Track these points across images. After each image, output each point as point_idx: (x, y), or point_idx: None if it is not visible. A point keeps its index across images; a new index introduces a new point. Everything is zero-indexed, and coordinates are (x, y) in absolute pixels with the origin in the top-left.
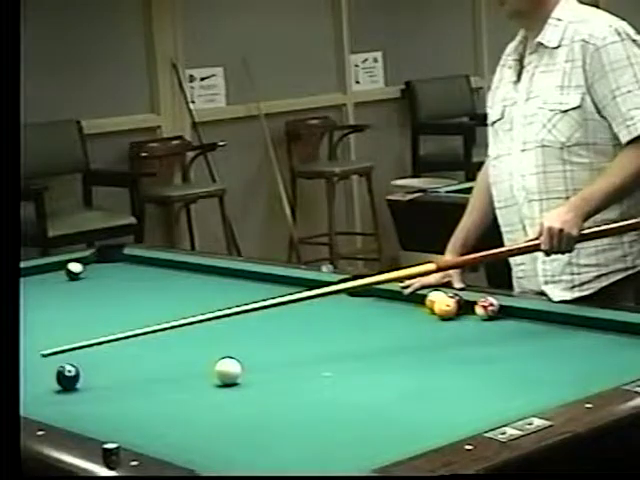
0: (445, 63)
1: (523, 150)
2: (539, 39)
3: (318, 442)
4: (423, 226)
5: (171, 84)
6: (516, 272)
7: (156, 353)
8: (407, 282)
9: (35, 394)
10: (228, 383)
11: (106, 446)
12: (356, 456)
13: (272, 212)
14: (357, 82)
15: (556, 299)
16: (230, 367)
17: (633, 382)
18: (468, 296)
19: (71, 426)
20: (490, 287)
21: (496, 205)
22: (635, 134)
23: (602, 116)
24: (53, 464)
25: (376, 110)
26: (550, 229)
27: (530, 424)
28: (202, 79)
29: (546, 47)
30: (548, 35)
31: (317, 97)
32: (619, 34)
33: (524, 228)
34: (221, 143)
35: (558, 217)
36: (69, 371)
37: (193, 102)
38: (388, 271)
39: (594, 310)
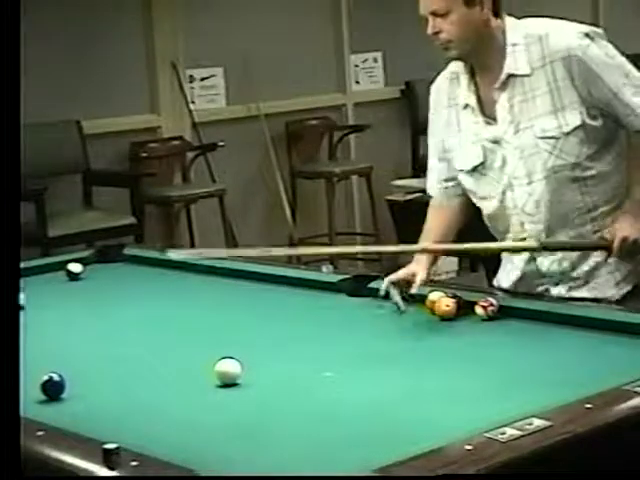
0: (445, 63)
1: (530, 182)
2: (508, 70)
3: (318, 442)
4: (423, 226)
5: (171, 84)
6: (512, 273)
7: (156, 353)
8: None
9: (35, 394)
10: (228, 383)
11: (106, 446)
12: (356, 456)
13: (272, 212)
14: (357, 82)
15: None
16: (230, 367)
17: (633, 382)
18: (468, 296)
19: (71, 426)
20: (490, 287)
21: (500, 238)
22: None
23: (603, 115)
24: (53, 464)
25: (376, 110)
26: (625, 239)
27: (530, 424)
28: (202, 79)
29: (517, 76)
30: (513, 64)
31: (317, 97)
32: (588, 36)
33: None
34: (221, 143)
35: (631, 227)
36: (54, 382)
37: (193, 102)
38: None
39: (594, 310)
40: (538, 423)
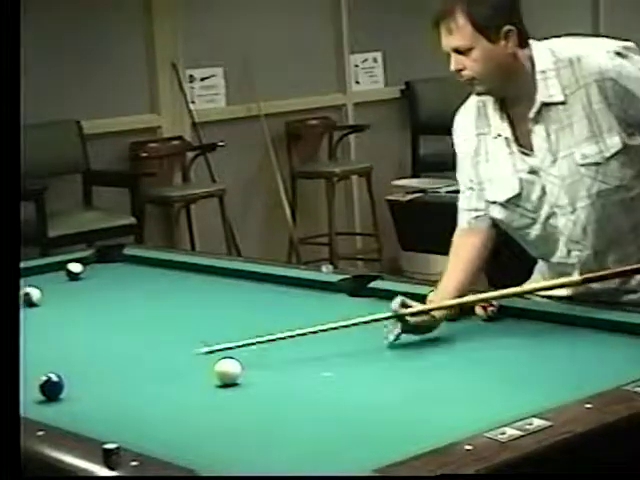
0: (445, 63)
1: (574, 210)
2: (542, 99)
3: (318, 442)
4: (423, 226)
5: (171, 84)
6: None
7: (156, 353)
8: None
9: (35, 394)
10: (228, 383)
11: (106, 446)
12: (356, 456)
13: (272, 212)
14: (357, 82)
15: None
16: (230, 367)
17: (633, 382)
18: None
19: (71, 426)
20: (490, 287)
21: (547, 262)
22: None
23: None
24: (53, 464)
25: (376, 110)
26: None
27: (530, 424)
28: (202, 79)
29: (552, 104)
30: (546, 92)
31: (317, 97)
32: (620, 55)
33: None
34: (221, 143)
35: None
36: (53, 382)
37: (193, 102)
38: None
39: (594, 310)
40: (538, 423)
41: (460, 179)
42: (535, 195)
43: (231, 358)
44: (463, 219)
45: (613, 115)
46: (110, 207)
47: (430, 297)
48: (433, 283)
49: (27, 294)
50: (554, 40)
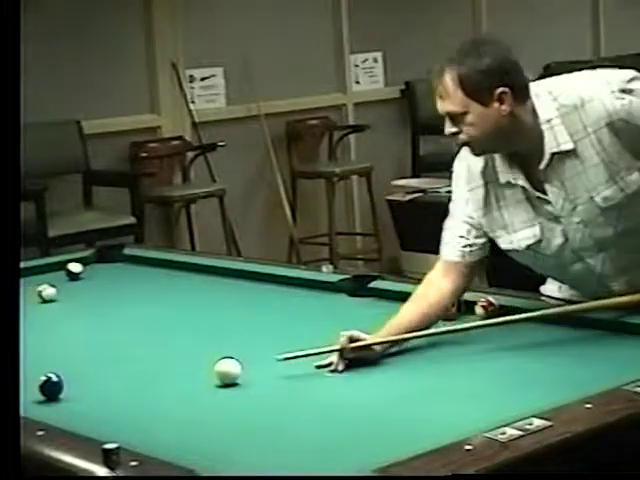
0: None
1: (601, 250)
2: (551, 150)
3: (318, 442)
4: (423, 226)
5: (171, 84)
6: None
7: (156, 353)
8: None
9: (35, 394)
10: (228, 383)
11: (106, 446)
12: (356, 456)
13: (272, 212)
14: (357, 82)
15: None
16: (230, 367)
17: (633, 382)
18: (468, 296)
19: (71, 426)
20: (490, 287)
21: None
22: None
23: None
24: (53, 464)
25: (376, 110)
26: None
27: (530, 424)
28: (202, 79)
29: (562, 152)
30: (555, 140)
31: (317, 97)
32: (623, 91)
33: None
34: (221, 143)
35: None
36: (53, 382)
37: (193, 102)
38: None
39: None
40: (538, 423)
41: (456, 221)
42: (557, 241)
43: (231, 358)
44: (455, 248)
45: (630, 153)
46: (110, 207)
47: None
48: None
49: (40, 291)
50: (552, 82)
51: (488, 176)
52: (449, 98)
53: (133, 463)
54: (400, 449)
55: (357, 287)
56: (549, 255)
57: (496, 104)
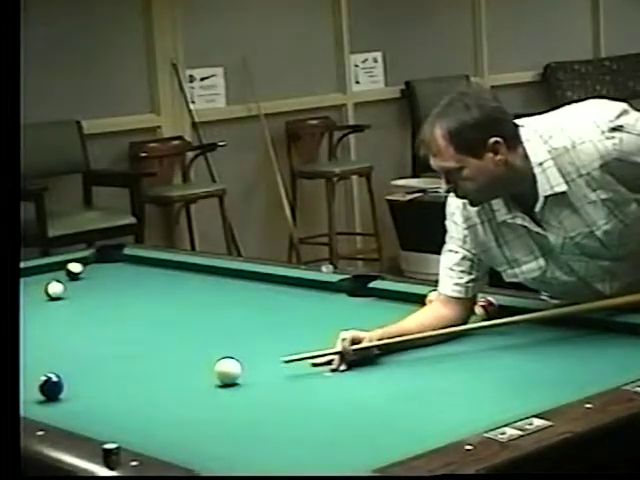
0: (445, 63)
1: (606, 275)
2: (544, 193)
3: (318, 442)
4: (423, 226)
5: (171, 84)
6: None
7: (156, 352)
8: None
9: (35, 394)
10: (228, 383)
11: (106, 446)
12: (356, 456)
13: (272, 212)
14: (357, 82)
15: None
16: (230, 367)
17: (633, 382)
18: None
19: (71, 426)
20: (490, 287)
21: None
22: None
23: None
24: (53, 464)
25: (376, 110)
26: None
27: (530, 424)
28: (202, 79)
29: (556, 194)
30: (548, 183)
31: (317, 97)
32: (613, 129)
33: None
34: (221, 143)
35: None
36: (53, 382)
37: (193, 102)
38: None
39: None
40: (538, 423)
41: (455, 258)
42: (561, 271)
43: (231, 358)
44: (457, 285)
45: (626, 184)
46: (110, 207)
47: (371, 334)
48: (433, 283)
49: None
50: (540, 123)
51: (485, 214)
52: (442, 155)
53: (133, 463)
54: (400, 449)
55: (357, 287)
56: (555, 284)
57: (490, 155)
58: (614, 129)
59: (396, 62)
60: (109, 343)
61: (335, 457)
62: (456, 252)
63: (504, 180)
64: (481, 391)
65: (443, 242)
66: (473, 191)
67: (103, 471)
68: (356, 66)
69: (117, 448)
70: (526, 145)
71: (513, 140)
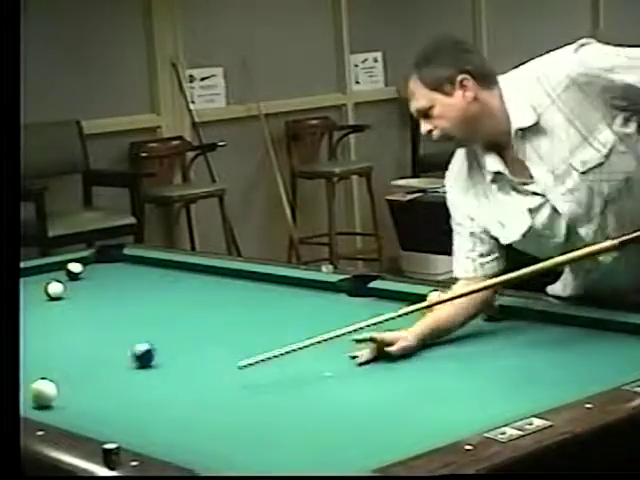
0: None
1: (590, 219)
2: (517, 126)
3: (318, 442)
4: (423, 226)
5: (171, 84)
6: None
7: (156, 352)
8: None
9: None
10: (43, 405)
11: (106, 446)
12: (356, 456)
13: (272, 212)
14: (357, 82)
15: None
16: (45, 388)
17: (633, 382)
18: None
19: (71, 426)
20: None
21: (575, 281)
22: None
23: (634, 115)
24: (53, 464)
25: (376, 110)
26: None
27: (530, 424)
28: (202, 79)
29: (528, 127)
30: (520, 117)
31: (317, 97)
32: (580, 46)
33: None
34: (221, 143)
35: None
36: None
37: (193, 102)
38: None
39: (594, 310)
40: (538, 423)
41: (458, 227)
42: (546, 219)
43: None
44: (466, 265)
45: (598, 109)
46: (110, 207)
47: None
48: (433, 283)
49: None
50: (519, 69)
51: (475, 178)
52: (414, 96)
53: (133, 463)
54: (400, 449)
55: (357, 287)
56: (547, 235)
57: (459, 92)
58: (581, 45)
59: (396, 62)
60: (109, 343)
61: (335, 457)
62: (459, 232)
63: (476, 117)
64: (481, 391)
65: (443, 242)
66: (447, 129)
67: (103, 471)
68: (356, 66)
69: (117, 448)
70: (502, 86)
71: (484, 79)
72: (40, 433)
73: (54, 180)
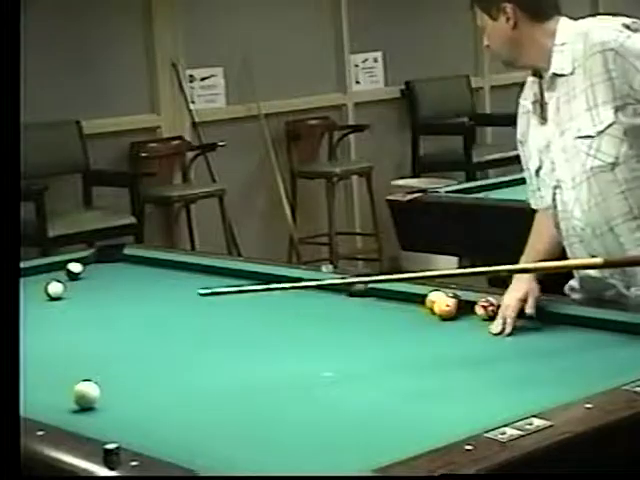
0: (445, 63)
1: (574, 187)
2: (553, 70)
3: (318, 442)
4: (423, 226)
5: (171, 84)
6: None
7: (156, 353)
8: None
9: (35, 394)
10: (85, 407)
11: (106, 446)
12: (356, 456)
13: (272, 212)
14: (357, 82)
15: None
16: (89, 389)
17: (633, 382)
18: (468, 296)
19: (71, 426)
20: (490, 287)
21: (564, 242)
22: None
23: None
24: (53, 464)
25: (376, 110)
26: None
27: (530, 424)
28: (202, 79)
29: (561, 75)
30: (559, 63)
31: (317, 97)
32: (628, 27)
33: None
34: (221, 143)
35: None
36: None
37: (193, 102)
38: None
39: (594, 310)
40: (538, 423)
41: (525, 173)
42: (549, 168)
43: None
44: (531, 202)
45: (613, 89)
46: (110, 207)
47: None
48: (433, 283)
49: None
50: (585, 19)
51: (526, 107)
52: (477, 14)
53: (133, 463)
54: (400, 449)
55: (357, 287)
56: (548, 184)
57: (502, 18)
58: (629, 27)
59: (396, 62)
60: (109, 343)
61: (335, 457)
62: (525, 167)
63: (518, 44)
64: (481, 391)
65: (443, 242)
66: (493, 48)
67: (103, 471)
68: (356, 66)
69: (117, 448)
70: (559, 26)
71: (532, 11)
72: (40, 433)
73: (54, 180)
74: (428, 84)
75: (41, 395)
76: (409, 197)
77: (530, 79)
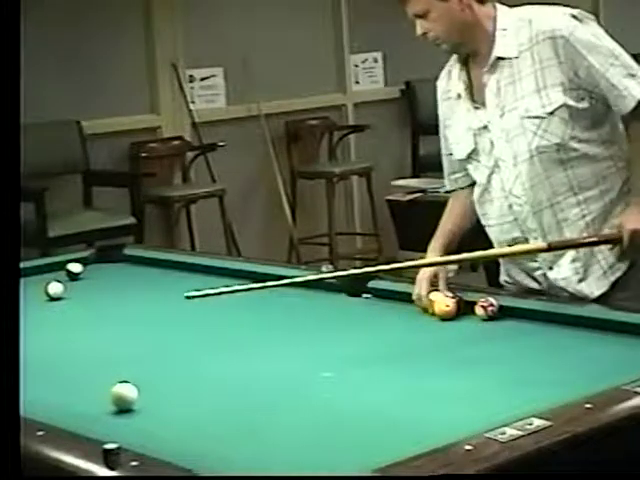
0: (445, 63)
1: (515, 164)
2: (497, 54)
3: (318, 442)
4: (423, 226)
5: (171, 84)
6: (528, 280)
7: (156, 353)
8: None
9: (36, 395)
10: (123, 409)
11: (106, 446)
12: (356, 456)
13: (272, 212)
14: (357, 82)
15: (596, 293)
16: (127, 391)
17: (633, 382)
18: (468, 296)
19: (72, 426)
20: (490, 287)
21: (487, 224)
22: (634, 101)
23: (591, 98)
24: (53, 464)
25: (376, 110)
26: (636, 232)
27: (530, 424)
28: (202, 79)
29: (505, 59)
30: (503, 47)
31: (317, 97)
32: (576, 18)
33: (527, 241)
34: (221, 143)
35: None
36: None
37: (193, 102)
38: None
39: (594, 310)
40: (538, 423)
41: (443, 158)
42: (486, 149)
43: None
44: (447, 183)
45: (562, 74)
46: (110, 207)
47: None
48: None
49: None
50: (520, 7)
51: (447, 93)
52: (410, 3)
53: (133, 463)
54: (400, 449)
55: (357, 287)
56: (484, 164)
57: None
58: (575, 17)
59: (396, 62)
60: (109, 343)
61: (335, 457)
62: (443, 151)
63: (466, 28)
64: (481, 391)
65: None
66: (440, 33)
67: (103, 471)
68: (356, 66)
69: (117, 448)
70: (499, 12)
71: None
72: (40, 433)
73: (54, 180)
74: (428, 84)
75: (41, 395)
76: (409, 197)
77: (457, 66)
